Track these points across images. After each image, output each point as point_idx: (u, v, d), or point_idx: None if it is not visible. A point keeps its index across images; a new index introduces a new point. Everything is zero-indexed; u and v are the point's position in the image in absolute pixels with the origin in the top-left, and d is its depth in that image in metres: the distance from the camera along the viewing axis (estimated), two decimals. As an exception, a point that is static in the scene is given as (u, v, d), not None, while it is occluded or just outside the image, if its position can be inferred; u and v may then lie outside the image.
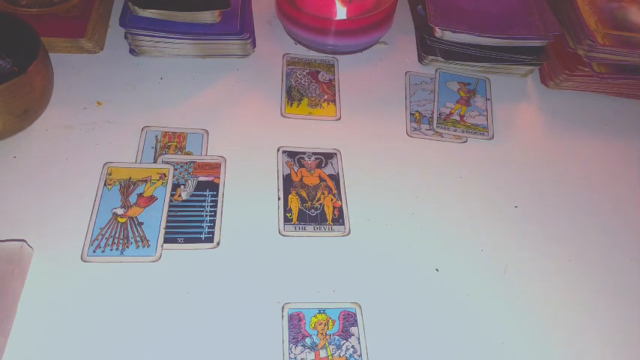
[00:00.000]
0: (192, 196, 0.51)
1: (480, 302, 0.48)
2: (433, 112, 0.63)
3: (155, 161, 0.53)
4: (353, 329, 0.45)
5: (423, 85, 0.66)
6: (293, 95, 0.62)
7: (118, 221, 0.48)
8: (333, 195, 0.54)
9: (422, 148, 0.59)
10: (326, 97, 0.63)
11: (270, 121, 0.59)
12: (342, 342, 0.44)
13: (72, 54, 0.61)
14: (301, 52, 0.67)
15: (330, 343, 0.44)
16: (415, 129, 0.61)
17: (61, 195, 0.50)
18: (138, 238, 0.47)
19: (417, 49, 0.69)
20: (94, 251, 0.46)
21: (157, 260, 0.47)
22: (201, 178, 0.53)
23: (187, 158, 0.54)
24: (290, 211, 0.52)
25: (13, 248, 0.44)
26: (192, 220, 0.50)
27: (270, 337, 0.44)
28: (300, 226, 0.51)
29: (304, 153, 0.57)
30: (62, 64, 0.59)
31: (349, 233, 0.51)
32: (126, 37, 0.61)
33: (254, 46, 0.65)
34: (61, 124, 0.55)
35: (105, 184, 0.51)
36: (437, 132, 0.61)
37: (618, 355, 0.47)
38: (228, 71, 0.63)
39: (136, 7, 0.59)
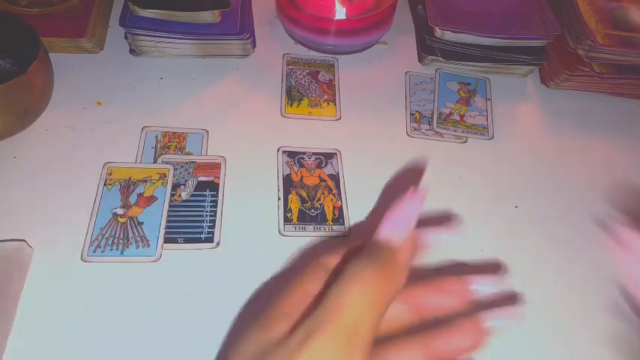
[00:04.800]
0: (192, 196, 0.51)
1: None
2: (433, 112, 0.63)
3: (155, 161, 0.53)
4: (353, 329, 0.45)
5: (423, 85, 0.66)
6: (293, 95, 0.62)
7: (118, 221, 0.48)
8: (333, 195, 0.54)
9: (422, 148, 0.59)
10: (326, 97, 0.63)
11: (270, 121, 0.59)
12: (342, 342, 0.44)
13: (72, 54, 0.61)
14: (301, 52, 0.67)
15: (330, 343, 0.44)
16: (415, 129, 0.61)
17: (61, 195, 0.50)
18: (138, 238, 0.47)
19: (417, 49, 0.69)
20: (94, 251, 0.46)
21: (157, 260, 0.47)
22: (201, 178, 0.53)
23: (187, 158, 0.54)
24: (290, 211, 0.52)
25: (13, 248, 0.44)
26: (192, 220, 0.50)
27: (270, 337, 0.44)
28: (300, 226, 0.51)
29: (304, 153, 0.57)
30: (62, 64, 0.59)
31: (349, 233, 0.51)
32: (126, 37, 0.61)
33: (254, 46, 0.65)
34: (61, 124, 0.55)
35: (105, 184, 0.51)
36: (437, 132, 0.61)
37: (618, 355, 0.47)
38: (228, 71, 0.63)
39: (136, 7, 0.59)
